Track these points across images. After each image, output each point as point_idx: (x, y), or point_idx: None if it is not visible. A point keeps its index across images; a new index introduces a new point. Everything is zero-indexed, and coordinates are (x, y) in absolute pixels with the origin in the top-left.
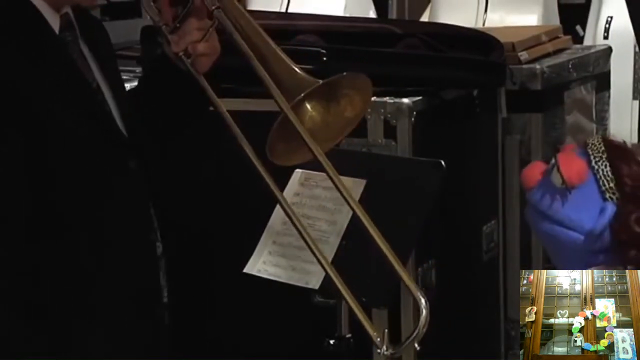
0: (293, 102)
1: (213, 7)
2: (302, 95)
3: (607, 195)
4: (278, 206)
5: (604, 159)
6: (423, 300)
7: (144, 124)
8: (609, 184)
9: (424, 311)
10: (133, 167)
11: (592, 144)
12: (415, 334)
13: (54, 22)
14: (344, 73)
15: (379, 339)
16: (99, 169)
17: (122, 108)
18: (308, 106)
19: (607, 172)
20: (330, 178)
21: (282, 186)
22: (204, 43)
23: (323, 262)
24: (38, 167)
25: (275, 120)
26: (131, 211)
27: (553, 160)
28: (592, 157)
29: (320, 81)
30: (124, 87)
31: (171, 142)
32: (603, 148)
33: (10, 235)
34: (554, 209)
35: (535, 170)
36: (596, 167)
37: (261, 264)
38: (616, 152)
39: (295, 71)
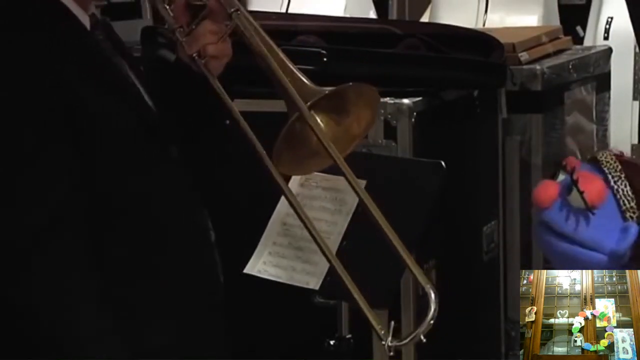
0: (310, 101)
1: (232, 10)
2: (309, 102)
3: (628, 214)
4: (278, 206)
5: (622, 178)
6: (433, 294)
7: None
8: (629, 203)
9: (433, 305)
10: (176, 156)
11: (607, 161)
12: (422, 327)
13: (85, 22)
14: (350, 83)
15: (382, 332)
16: (147, 159)
17: (154, 101)
18: (317, 118)
19: (627, 191)
20: (350, 183)
21: (280, 188)
22: (215, 45)
23: (328, 254)
24: (88, 162)
25: (279, 122)
26: (181, 198)
27: (561, 176)
28: (610, 176)
29: (327, 90)
30: (148, 85)
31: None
32: (620, 167)
33: (72, 233)
34: (575, 230)
35: (549, 190)
36: (615, 186)
37: (261, 265)
38: (632, 170)
39: (303, 81)
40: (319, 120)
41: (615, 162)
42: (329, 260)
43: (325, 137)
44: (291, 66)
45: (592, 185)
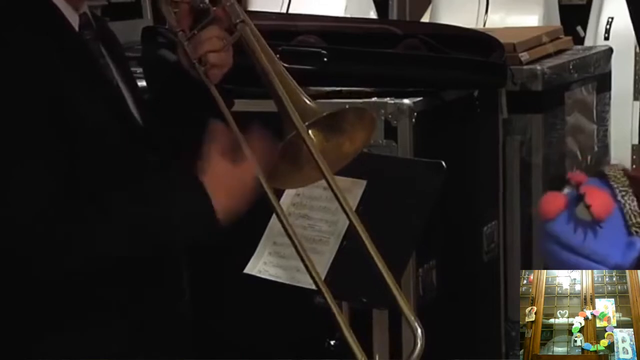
0: (308, 122)
1: (237, 20)
2: (307, 123)
3: (633, 229)
4: None
5: (630, 193)
6: (420, 331)
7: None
8: (635, 218)
9: (419, 342)
10: (155, 163)
11: (614, 176)
12: None
13: (74, 21)
14: (347, 107)
15: None
16: (124, 165)
17: (139, 106)
18: (310, 133)
19: (633, 206)
20: (339, 201)
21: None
22: (218, 54)
23: (317, 278)
24: (68, 163)
25: (277, 122)
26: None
27: (567, 189)
28: (617, 190)
29: (325, 113)
30: (138, 87)
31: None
32: (627, 182)
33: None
34: (580, 242)
35: (556, 202)
36: (622, 201)
37: (262, 265)
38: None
39: (303, 99)
40: (311, 135)
41: (623, 177)
42: (315, 283)
43: (321, 157)
44: (291, 82)
45: (598, 199)
